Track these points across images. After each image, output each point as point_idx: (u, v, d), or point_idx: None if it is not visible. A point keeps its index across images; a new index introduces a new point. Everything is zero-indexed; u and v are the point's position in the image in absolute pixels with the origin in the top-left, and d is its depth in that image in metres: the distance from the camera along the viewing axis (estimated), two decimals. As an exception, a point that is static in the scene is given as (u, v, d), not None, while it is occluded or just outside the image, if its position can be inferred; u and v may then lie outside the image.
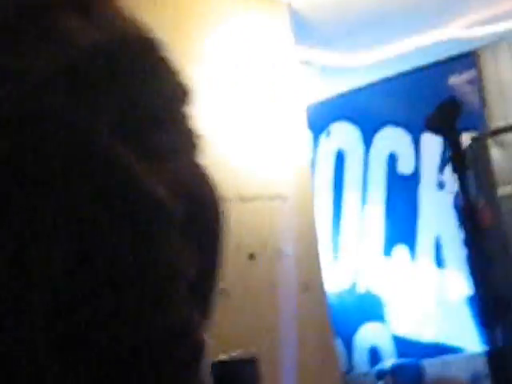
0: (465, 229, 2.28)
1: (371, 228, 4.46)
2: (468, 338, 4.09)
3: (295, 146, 2.92)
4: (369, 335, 4.66)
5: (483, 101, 4.09)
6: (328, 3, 3.29)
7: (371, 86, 4.21)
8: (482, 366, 3.01)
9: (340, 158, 4.53)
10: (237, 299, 2.34)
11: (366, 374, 4.39)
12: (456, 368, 4.21)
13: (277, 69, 2.77)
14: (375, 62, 3.80)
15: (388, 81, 4.15)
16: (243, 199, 2.49)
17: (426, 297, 4.28)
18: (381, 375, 4.09)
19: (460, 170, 2.25)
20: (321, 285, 3.03)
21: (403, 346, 4.45)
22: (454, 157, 2.27)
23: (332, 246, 4.45)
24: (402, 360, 4.32)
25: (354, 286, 4.64)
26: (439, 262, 4.13)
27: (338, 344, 4.00)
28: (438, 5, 3.54)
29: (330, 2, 3.31)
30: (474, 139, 3.70)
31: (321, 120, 4.31)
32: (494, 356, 2.27)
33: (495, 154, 3.77)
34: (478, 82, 4.06)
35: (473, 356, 3.97)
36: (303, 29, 3.20)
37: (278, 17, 2.93)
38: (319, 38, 3.49)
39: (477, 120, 4.00)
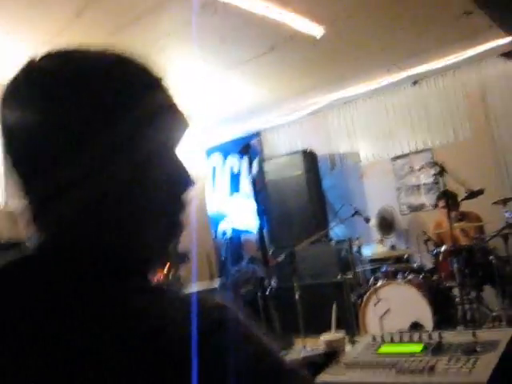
0: (253, 186, 4.19)
1: (225, 188, 8.92)
2: (254, 227, 7.99)
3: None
4: (223, 225, 8.75)
5: (261, 147, 8.94)
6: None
7: (226, 143, 9.00)
8: (258, 236, 6.55)
9: (214, 169, 9.19)
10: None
11: (221, 238, 8.74)
12: (250, 237, 8.31)
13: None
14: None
15: (231, 141, 8.85)
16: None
17: (243, 211, 8.68)
18: (226, 239, 8.41)
19: (250, 168, 4.28)
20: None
21: (234, 231, 8.51)
22: (249, 164, 4.17)
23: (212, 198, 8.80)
24: (234, 233, 8.43)
25: (219, 210, 8.92)
26: (248, 196, 8.65)
27: (212, 230, 8.58)
28: (251, 112, 9.18)
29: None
30: (259, 159, 7.84)
31: (210, 151, 9.15)
32: (259, 232, 4.59)
33: (265, 165, 7.96)
34: (260, 142, 8.85)
35: (254, 234, 7.99)
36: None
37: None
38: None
39: (258, 153, 8.55)
